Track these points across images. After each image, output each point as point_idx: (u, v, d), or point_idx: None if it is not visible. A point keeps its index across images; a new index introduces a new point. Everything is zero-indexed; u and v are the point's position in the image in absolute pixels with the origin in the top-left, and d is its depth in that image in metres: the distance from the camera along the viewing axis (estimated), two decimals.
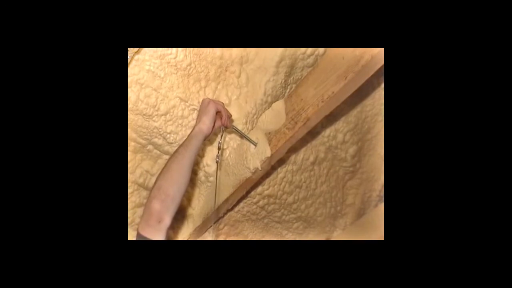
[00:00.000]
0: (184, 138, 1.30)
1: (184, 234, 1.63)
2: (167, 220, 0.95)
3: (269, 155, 1.29)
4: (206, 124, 1.10)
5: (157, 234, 0.93)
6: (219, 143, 1.21)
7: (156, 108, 1.24)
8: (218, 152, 1.22)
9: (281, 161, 1.56)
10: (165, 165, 1.05)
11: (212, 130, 1.13)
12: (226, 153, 1.44)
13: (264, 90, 1.33)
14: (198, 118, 1.13)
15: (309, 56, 1.31)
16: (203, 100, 1.15)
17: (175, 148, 1.31)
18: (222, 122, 1.17)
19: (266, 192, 1.60)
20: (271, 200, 1.65)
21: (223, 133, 1.22)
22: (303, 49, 1.28)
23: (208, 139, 1.25)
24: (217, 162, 1.24)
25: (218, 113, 1.15)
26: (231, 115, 1.23)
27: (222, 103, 1.18)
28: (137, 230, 0.96)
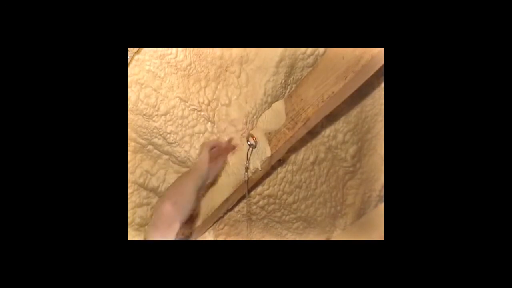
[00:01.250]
0: (184, 138, 1.31)
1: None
2: (177, 225, 0.98)
3: (269, 155, 1.29)
4: (200, 162, 1.21)
5: (168, 236, 0.96)
6: (246, 162, 1.31)
7: (156, 108, 1.24)
8: (246, 172, 1.31)
9: (281, 161, 1.56)
10: (175, 181, 1.16)
11: (213, 165, 1.25)
12: None
13: (264, 90, 1.33)
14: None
15: (309, 56, 1.31)
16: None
17: (175, 148, 1.33)
18: (225, 152, 1.31)
19: (266, 192, 1.60)
20: (271, 200, 1.65)
21: (250, 153, 1.31)
22: (303, 49, 1.28)
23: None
24: (246, 181, 1.33)
25: (213, 148, 1.27)
26: (234, 147, 1.36)
27: (216, 139, 1.31)
28: (144, 238, 0.98)
